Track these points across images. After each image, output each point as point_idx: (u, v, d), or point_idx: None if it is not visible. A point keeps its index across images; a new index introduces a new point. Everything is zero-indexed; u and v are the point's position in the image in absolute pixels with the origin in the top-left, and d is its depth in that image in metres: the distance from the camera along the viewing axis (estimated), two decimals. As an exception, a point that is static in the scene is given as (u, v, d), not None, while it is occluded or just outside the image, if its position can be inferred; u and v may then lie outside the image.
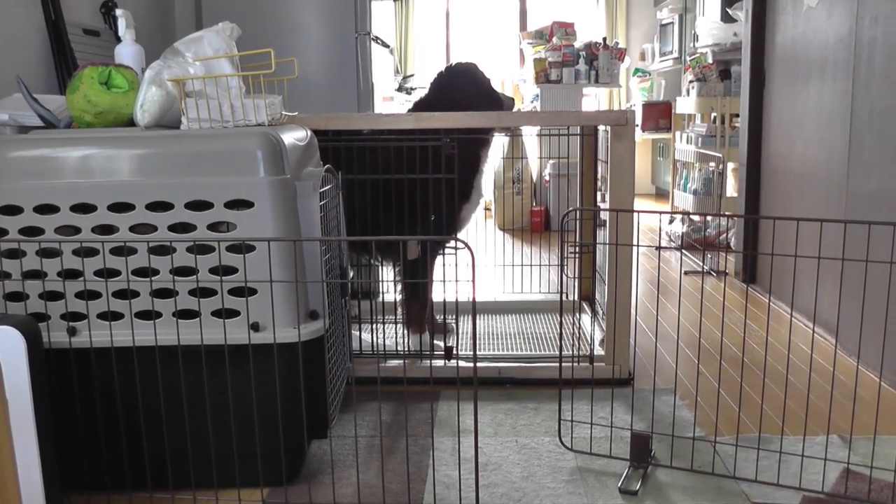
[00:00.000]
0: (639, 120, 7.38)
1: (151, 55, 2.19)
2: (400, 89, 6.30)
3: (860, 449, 2.17)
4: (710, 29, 5.93)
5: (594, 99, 8.10)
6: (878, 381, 2.44)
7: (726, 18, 5.86)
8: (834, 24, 3.27)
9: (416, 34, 8.33)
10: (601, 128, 3.14)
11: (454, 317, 3.12)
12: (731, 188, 5.49)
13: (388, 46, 4.20)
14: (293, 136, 2.04)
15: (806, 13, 3.58)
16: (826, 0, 3.36)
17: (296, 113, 2.34)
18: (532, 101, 6.76)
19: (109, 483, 1.93)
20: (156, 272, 1.85)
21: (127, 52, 2.34)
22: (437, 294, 3.12)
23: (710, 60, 5.79)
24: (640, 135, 7.44)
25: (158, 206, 1.85)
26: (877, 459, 2.04)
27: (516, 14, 8.77)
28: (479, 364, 2.65)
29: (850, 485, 1.97)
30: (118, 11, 2.39)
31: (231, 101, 2.00)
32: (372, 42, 3.71)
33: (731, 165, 5.40)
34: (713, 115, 5.48)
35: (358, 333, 2.81)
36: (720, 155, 5.09)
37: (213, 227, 1.86)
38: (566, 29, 6.59)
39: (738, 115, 4.78)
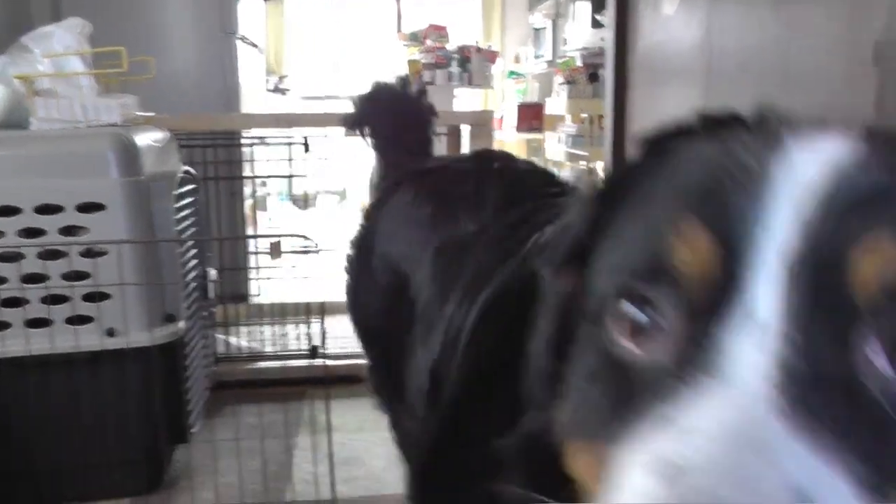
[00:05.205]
0: (515, 121, 7.52)
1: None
2: (275, 90, 6.24)
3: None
4: (579, 33, 6.11)
5: (471, 100, 8.21)
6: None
7: (595, 24, 6.05)
8: (690, 32, 3.42)
9: (290, 35, 8.23)
10: (464, 127, 3.19)
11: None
12: (601, 187, 5.66)
13: (256, 46, 4.15)
14: (149, 137, 2.01)
15: (664, 21, 3.73)
16: (682, 9, 3.51)
17: (152, 113, 2.29)
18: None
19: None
20: (4, 280, 1.79)
21: (-29, 48, 2.24)
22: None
23: (579, 63, 5.96)
24: (515, 135, 7.58)
25: (6, 211, 1.79)
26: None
27: (394, 15, 8.80)
28: (345, 361, 2.66)
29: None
30: (-39, 6, 2.29)
31: (83, 100, 1.95)
32: (239, 42, 3.66)
33: (599, 165, 5.58)
34: (583, 115, 5.65)
35: (224, 336, 2.77)
36: (587, 154, 5.25)
37: (66, 231, 1.81)
38: (440, 32, 6.67)
39: (604, 117, 4.94)
